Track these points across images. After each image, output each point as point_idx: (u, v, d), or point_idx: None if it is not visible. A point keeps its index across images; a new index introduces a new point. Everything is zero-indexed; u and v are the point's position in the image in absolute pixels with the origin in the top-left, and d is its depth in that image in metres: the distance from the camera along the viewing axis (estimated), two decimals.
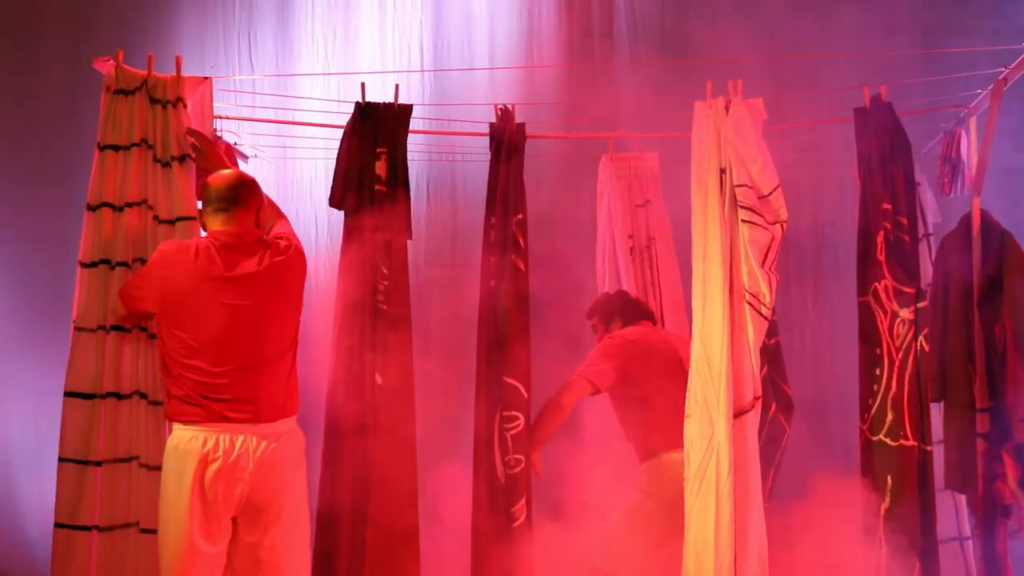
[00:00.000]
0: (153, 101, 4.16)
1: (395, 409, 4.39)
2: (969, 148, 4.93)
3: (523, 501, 4.47)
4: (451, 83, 6.12)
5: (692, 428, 4.15)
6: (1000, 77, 4.59)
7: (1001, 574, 4.67)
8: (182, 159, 4.15)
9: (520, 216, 4.60)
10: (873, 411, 4.41)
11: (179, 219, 4.10)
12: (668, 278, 5.32)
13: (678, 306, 5.28)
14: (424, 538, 4.71)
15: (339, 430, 4.39)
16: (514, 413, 4.50)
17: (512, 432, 4.48)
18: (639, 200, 5.33)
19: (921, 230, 4.79)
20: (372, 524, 4.31)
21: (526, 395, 4.53)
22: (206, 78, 4.32)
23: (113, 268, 4.01)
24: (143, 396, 3.98)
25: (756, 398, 4.15)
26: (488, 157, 4.71)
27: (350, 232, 4.51)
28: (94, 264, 4.02)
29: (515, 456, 4.47)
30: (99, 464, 3.89)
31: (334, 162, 4.59)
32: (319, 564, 4.30)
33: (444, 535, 4.99)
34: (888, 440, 4.38)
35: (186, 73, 4.25)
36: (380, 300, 4.42)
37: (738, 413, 4.12)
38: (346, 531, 4.33)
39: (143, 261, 4.02)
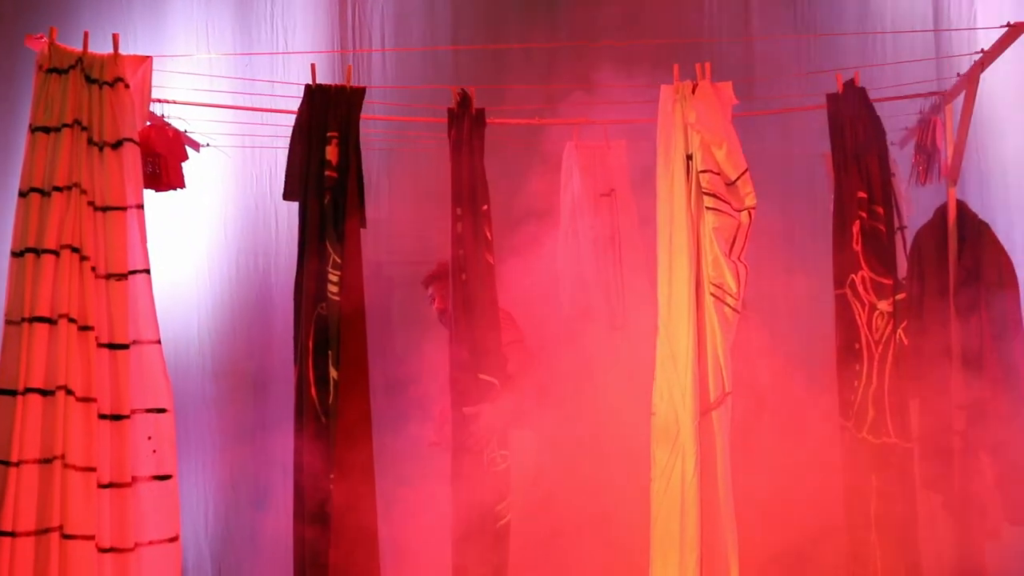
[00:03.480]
0: (89, 81, 3.99)
1: (351, 402, 4.21)
2: (945, 137, 4.79)
3: (507, 501, 4.35)
4: (412, 68, 5.92)
5: (657, 426, 4.01)
6: (976, 61, 4.44)
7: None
8: (118, 144, 3.97)
9: (485, 207, 4.43)
10: (855, 407, 4.25)
11: (109, 208, 3.95)
12: (633, 270, 5.15)
13: (642, 298, 5.10)
14: (401, 540, 4.66)
15: (301, 422, 4.26)
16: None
17: None
18: (604, 189, 5.16)
19: (896, 222, 4.64)
20: (333, 517, 4.16)
21: (500, 388, 4.39)
22: (146, 57, 4.12)
23: (39, 256, 3.84)
24: (70, 392, 3.80)
25: (726, 393, 3.99)
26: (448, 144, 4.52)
27: (301, 220, 4.32)
28: (21, 253, 3.85)
29: (501, 452, 4.37)
30: (17, 465, 3.70)
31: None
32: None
33: (420, 537, 4.82)
34: (871, 437, 4.23)
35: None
36: (332, 291, 4.22)
37: (706, 410, 3.97)
38: (309, 525, 4.21)
39: (74, 249, 3.86)
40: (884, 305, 4.30)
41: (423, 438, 5.04)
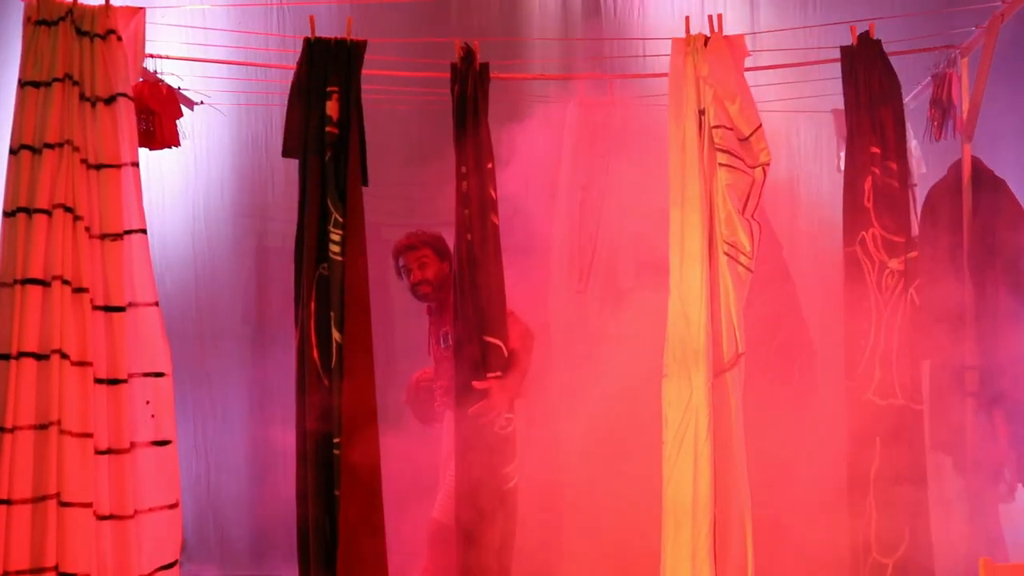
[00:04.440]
0: (80, 33, 3.85)
1: (354, 364, 4.09)
2: (961, 91, 4.67)
3: (515, 463, 4.27)
4: (414, 21, 5.76)
5: (670, 388, 3.91)
6: (997, 12, 4.32)
7: (991, 539, 4.47)
8: (111, 100, 3.84)
9: (490, 165, 4.31)
10: (861, 368, 4.15)
11: (103, 166, 3.82)
12: (608, 234, 5.01)
13: (613, 258, 5.00)
14: (407, 505, 4.59)
15: (303, 385, 4.14)
16: (498, 373, 4.28)
17: None
18: (600, 150, 5.02)
19: None
20: (340, 481, 4.06)
21: (506, 353, 4.30)
22: (139, 8, 3.99)
23: (31, 216, 3.72)
24: (65, 356, 3.69)
25: (739, 354, 3.90)
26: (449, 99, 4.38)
27: (301, 177, 4.19)
28: (13, 213, 3.73)
29: (507, 414, 4.28)
30: (11, 431, 3.60)
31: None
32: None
33: (427, 501, 4.75)
34: (877, 399, 4.13)
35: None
36: (334, 251, 4.10)
37: (720, 371, 3.87)
38: (312, 488, 4.10)
39: (67, 209, 3.74)
40: (895, 263, 4.18)
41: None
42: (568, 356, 4.98)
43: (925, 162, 5.15)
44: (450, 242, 4.46)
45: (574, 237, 4.99)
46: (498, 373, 4.28)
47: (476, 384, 4.25)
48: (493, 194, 4.31)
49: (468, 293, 4.26)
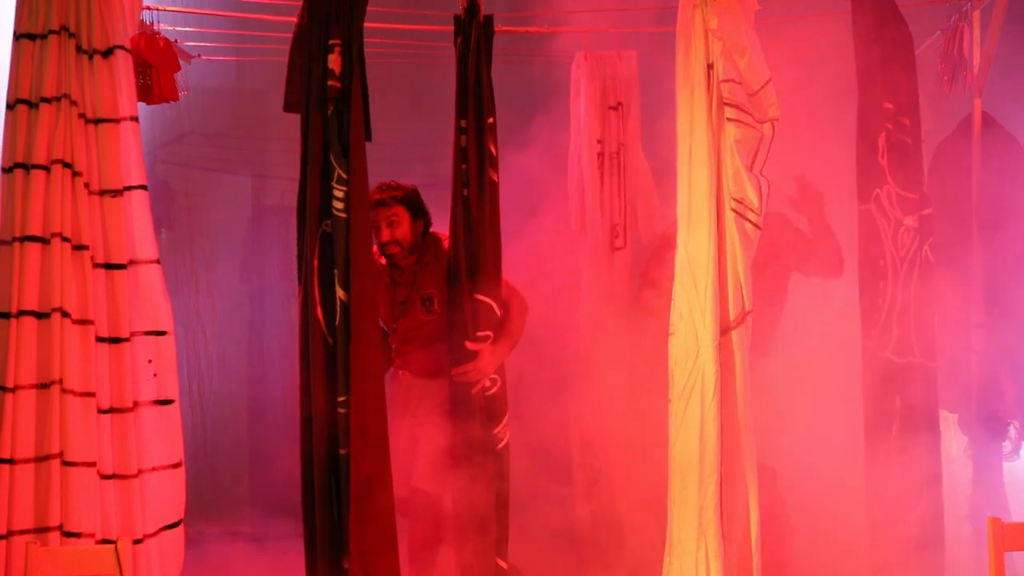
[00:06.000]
0: None
1: (359, 323, 4.03)
2: (972, 45, 4.60)
3: (504, 422, 4.26)
4: None
5: (676, 346, 3.86)
6: None
7: (994, 496, 4.47)
8: (108, 52, 3.76)
9: (491, 120, 4.24)
10: (878, 326, 4.11)
11: (101, 120, 3.75)
12: (640, 187, 4.97)
13: (653, 216, 4.97)
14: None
15: (307, 344, 4.08)
16: (487, 333, 4.25)
17: None
18: (612, 102, 4.96)
19: None
20: (350, 443, 4.00)
21: (498, 313, 4.28)
22: None
23: (29, 171, 3.65)
24: (66, 314, 3.64)
25: (746, 312, 3.85)
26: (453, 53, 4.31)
27: (303, 133, 4.12)
28: (11, 169, 3.67)
29: (491, 376, 4.26)
30: (13, 390, 3.56)
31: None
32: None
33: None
34: (895, 357, 4.10)
35: None
36: (338, 208, 4.03)
37: (726, 329, 3.83)
38: (316, 447, 4.06)
39: (66, 164, 3.67)
40: (910, 221, 4.14)
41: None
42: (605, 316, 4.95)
43: (931, 118, 5.09)
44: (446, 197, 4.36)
45: (600, 193, 4.93)
46: (488, 333, 4.25)
47: (469, 344, 4.21)
48: (493, 150, 4.24)
49: (462, 250, 4.21)
